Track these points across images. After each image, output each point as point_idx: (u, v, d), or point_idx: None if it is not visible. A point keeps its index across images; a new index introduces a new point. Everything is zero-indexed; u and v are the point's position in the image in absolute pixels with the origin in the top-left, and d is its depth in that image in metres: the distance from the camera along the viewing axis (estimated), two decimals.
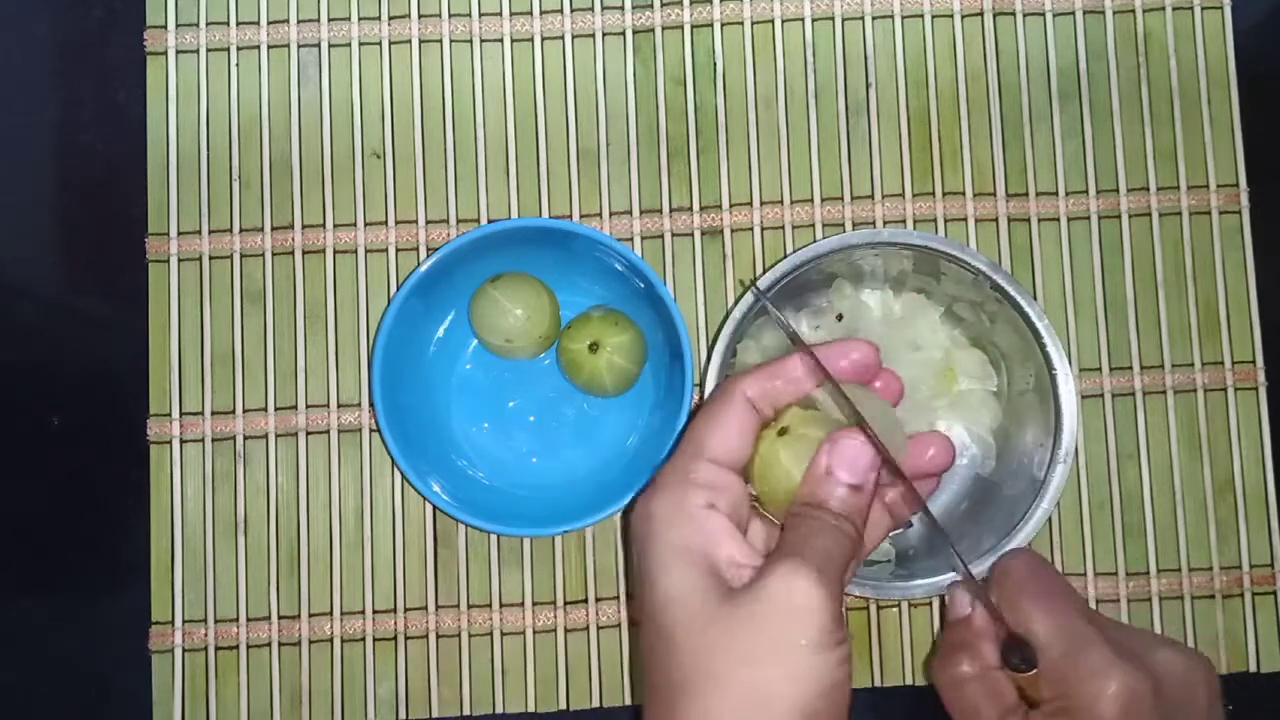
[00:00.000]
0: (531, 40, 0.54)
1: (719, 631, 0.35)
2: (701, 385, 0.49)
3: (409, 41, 0.54)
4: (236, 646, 0.51)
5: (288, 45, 0.54)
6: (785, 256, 0.49)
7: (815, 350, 0.40)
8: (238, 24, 0.54)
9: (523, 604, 0.52)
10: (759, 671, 0.34)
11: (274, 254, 0.53)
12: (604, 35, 0.54)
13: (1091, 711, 0.39)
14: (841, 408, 0.39)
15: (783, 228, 0.53)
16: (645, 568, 0.37)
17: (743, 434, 0.39)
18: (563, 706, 0.51)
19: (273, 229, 0.53)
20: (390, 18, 0.54)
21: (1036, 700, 0.42)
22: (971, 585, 0.44)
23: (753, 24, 0.54)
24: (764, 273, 0.49)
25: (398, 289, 0.50)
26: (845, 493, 0.37)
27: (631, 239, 0.53)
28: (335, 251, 0.53)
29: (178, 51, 0.54)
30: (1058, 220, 0.54)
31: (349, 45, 0.54)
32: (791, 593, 0.34)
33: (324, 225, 0.53)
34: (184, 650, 0.51)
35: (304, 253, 0.53)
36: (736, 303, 0.48)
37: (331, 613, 0.51)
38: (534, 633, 0.51)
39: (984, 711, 0.42)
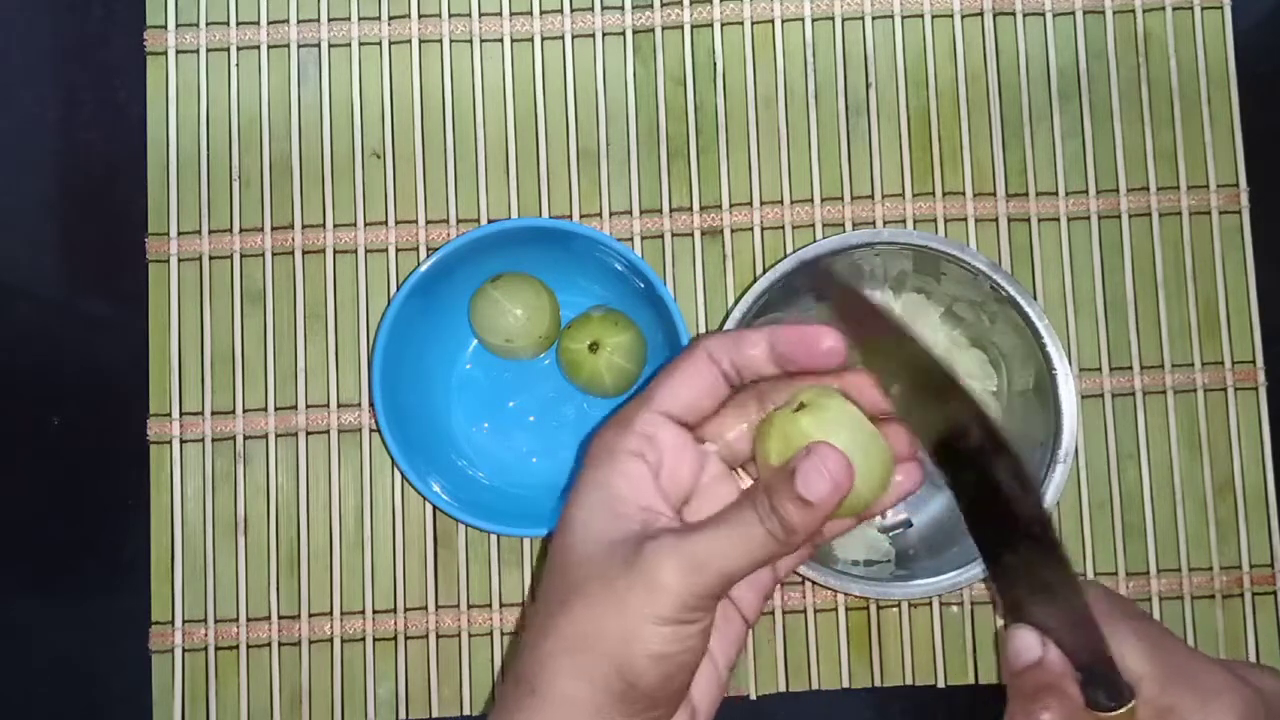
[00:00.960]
0: (531, 40, 0.54)
1: (591, 566, 0.36)
2: None
3: (409, 41, 0.54)
4: (236, 646, 0.51)
5: (288, 45, 0.54)
6: (785, 256, 0.49)
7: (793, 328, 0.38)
8: (238, 24, 0.54)
9: (523, 604, 0.51)
10: (601, 618, 0.35)
11: (274, 254, 0.53)
12: (604, 35, 0.54)
13: None
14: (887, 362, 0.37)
15: (783, 228, 0.53)
16: (574, 497, 0.38)
17: (696, 390, 0.38)
18: None
19: (273, 229, 0.53)
20: (390, 18, 0.54)
21: None
22: (1046, 618, 0.38)
23: (753, 24, 0.54)
24: (765, 271, 0.49)
25: (398, 289, 0.50)
26: (795, 507, 0.35)
27: (631, 239, 0.53)
28: (335, 251, 0.53)
29: (178, 51, 0.54)
30: (1058, 220, 0.54)
31: (349, 45, 0.54)
32: (655, 569, 0.35)
33: (324, 225, 0.53)
34: (184, 650, 0.51)
35: (304, 253, 0.53)
36: (737, 302, 0.48)
37: (331, 613, 0.51)
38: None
39: None
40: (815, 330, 0.37)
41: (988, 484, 0.36)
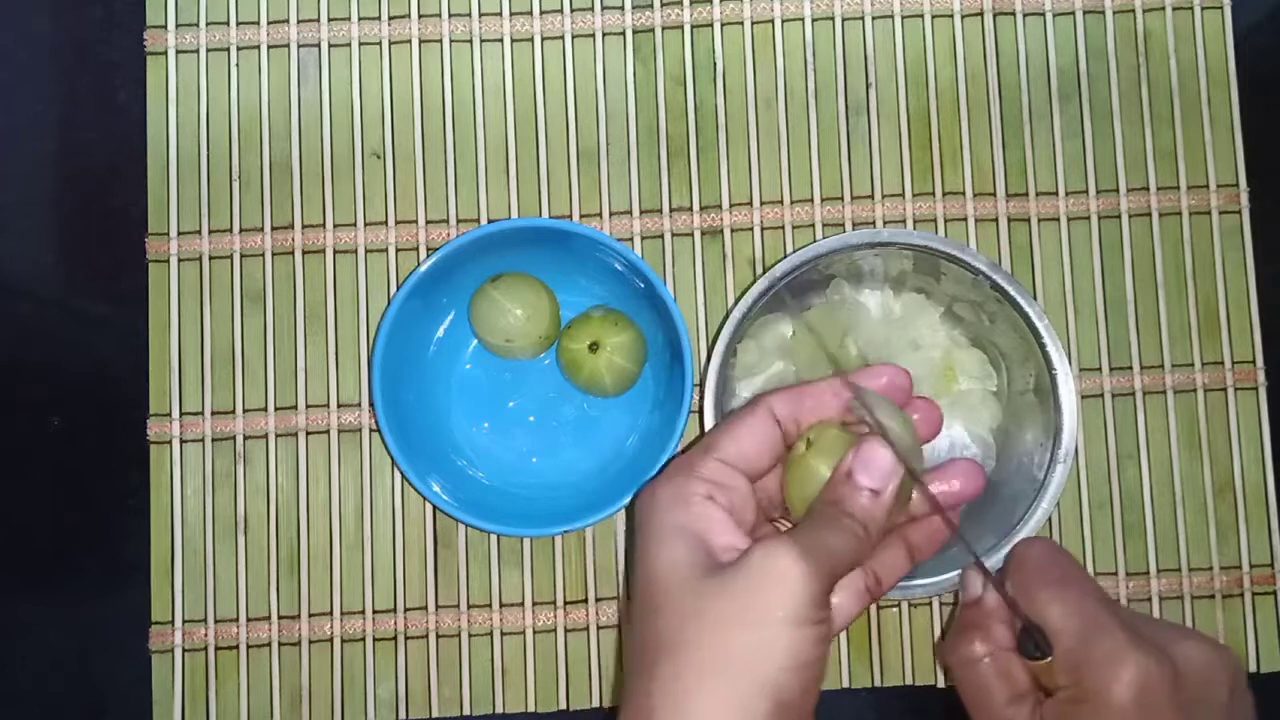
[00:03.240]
0: (531, 40, 0.54)
1: (700, 599, 0.35)
2: (701, 385, 0.49)
3: (409, 41, 0.54)
4: (236, 646, 0.51)
5: (288, 45, 0.54)
6: (785, 256, 0.49)
7: (850, 375, 0.40)
8: (238, 24, 0.54)
9: (523, 604, 0.52)
10: (731, 636, 0.34)
11: (274, 254, 0.53)
12: (604, 35, 0.54)
13: (1105, 698, 0.39)
14: (868, 417, 0.39)
15: (783, 228, 0.53)
16: (642, 544, 0.38)
17: (759, 442, 0.39)
18: (562, 706, 0.51)
19: (273, 229, 0.53)
20: (390, 18, 0.54)
21: (1051, 689, 0.41)
22: (984, 570, 0.43)
23: (753, 24, 0.54)
24: (765, 271, 0.49)
25: (398, 289, 0.50)
26: (864, 497, 0.37)
27: (631, 239, 0.53)
28: (335, 251, 0.53)
29: (178, 51, 0.54)
30: (1058, 220, 0.54)
31: (349, 45, 0.54)
32: (774, 563, 0.35)
33: (324, 225, 0.53)
34: (184, 650, 0.51)
35: (304, 253, 0.53)
36: (737, 302, 0.48)
37: (331, 613, 0.51)
38: (534, 633, 0.51)
39: (995, 692, 0.42)
40: (896, 379, 0.40)
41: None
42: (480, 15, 0.54)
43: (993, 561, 0.47)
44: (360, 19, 0.54)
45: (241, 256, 0.53)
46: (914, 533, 0.41)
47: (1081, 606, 0.41)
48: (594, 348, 0.49)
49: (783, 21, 0.54)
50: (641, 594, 0.37)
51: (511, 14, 0.54)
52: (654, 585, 0.36)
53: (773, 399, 0.40)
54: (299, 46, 0.54)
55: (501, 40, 0.54)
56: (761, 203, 0.53)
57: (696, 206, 0.53)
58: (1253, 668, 0.52)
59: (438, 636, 0.51)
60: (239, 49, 0.54)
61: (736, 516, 0.38)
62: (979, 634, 0.43)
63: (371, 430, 0.52)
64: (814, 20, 0.54)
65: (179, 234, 0.53)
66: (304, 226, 0.53)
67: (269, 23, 0.54)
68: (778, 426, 0.40)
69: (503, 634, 0.51)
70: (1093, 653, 0.40)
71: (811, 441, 0.40)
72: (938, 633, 0.52)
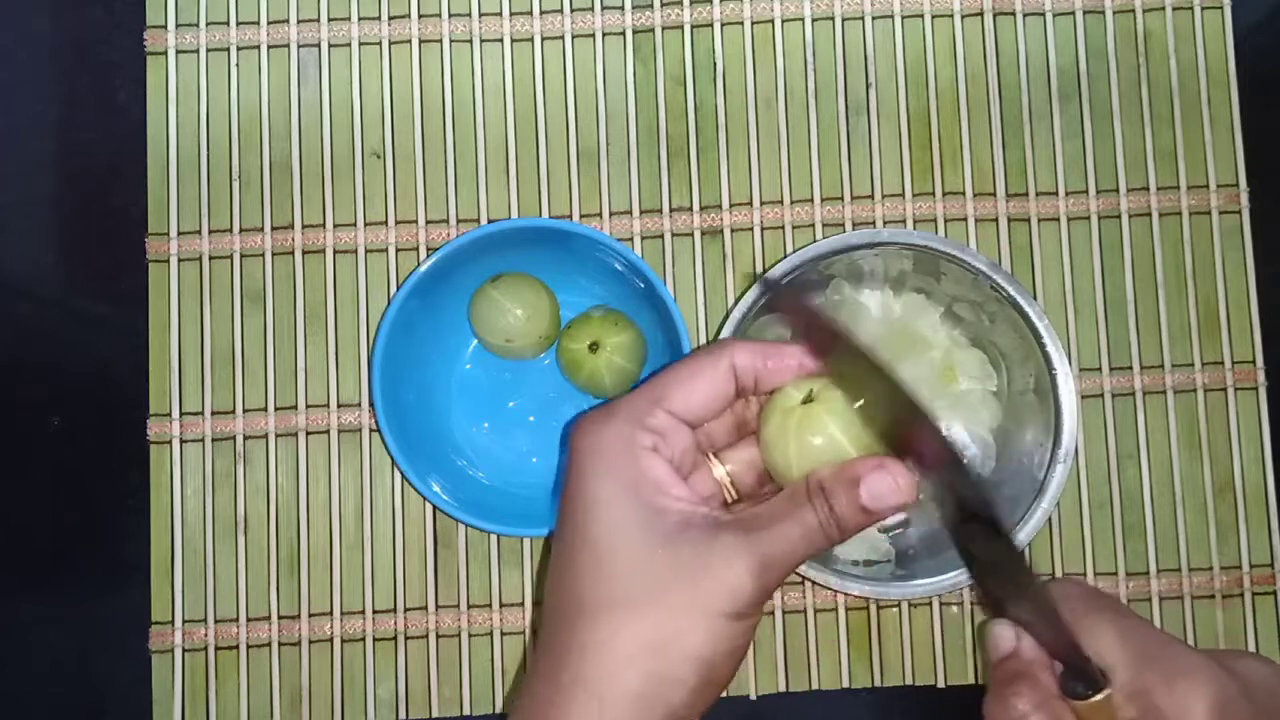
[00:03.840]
0: (531, 40, 0.54)
1: (648, 568, 0.35)
2: None
3: (409, 41, 0.54)
4: (236, 646, 0.51)
5: (288, 45, 0.54)
6: (785, 256, 0.49)
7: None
8: (238, 24, 0.54)
9: (523, 604, 0.52)
10: (675, 619, 0.35)
11: (274, 254, 0.53)
12: (604, 35, 0.54)
13: (1185, 717, 0.37)
14: (866, 379, 0.37)
15: (783, 228, 0.53)
16: (581, 484, 0.37)
17: (712, 395, 0.38)
18: None
19: (273, 229, 0.53)
20: (390, 18, 0.54)
21: None
22: (1021, 613, 0.40)
23: (753, 24, 0.54)
24: (765, 272, 0.49)
25: (398, 289, 0.50)
26: (856, 511, 0.37)
27: (631, 239, 0.53)
28: (335, 251, 0.53)
29: (178, 51, 0.54)
30: (1058, 220, 0.54)
31: (349, 45, 0.54)
32: (729, 566, 0.35)
33: (324, 225, 0.53)
34: (184, 650, 0.51)
35: (304, 253, 0.53)
36: (737, 302, 0.48)
37: (331, 613, 0.51)
38: (534, 633, 0.51)
39: None
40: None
41: (950, 492, 0.38)
42: (480, 15, 0.54)
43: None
44: (360, 19, 0.54)
45: (241, 256, 0.53)
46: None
47: (1136, 632, 0.39)
48: (594, 348, 0.49)
49: (783, 21, 0.54)
50: (582, 540, 0.37)
51: (511, 14, 0.54)
52: (601, 538, 0.36)
53: (736, 351, 0.38)
54: (299, 46, 0.54)
55: (501, 40, 0.54)
56: (761, 203, 0.53)
57: (696, 206, 0.53)
58: None
59: (438, 636, 0.51)
60: (239, 49, 0.54)
61: (679, 469, 0.38)
62: (1025, 685, 0.39)
63: (371, 430, 0.52)
64: (814, 20, 0.54)
65: (179, 234, 0.53)
66: (304, 226, 0.53)
67: (269, 23, 0.54)
68: (734, 378, 0.38)
69: (503, 634, 0.51)
70: (1161, 674, 0.38)
71: (813, 397, 0.38)
72: (938, 633, 0.52)
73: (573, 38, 0.54)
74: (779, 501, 0.37)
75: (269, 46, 0.54)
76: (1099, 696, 0.38)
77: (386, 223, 0.53)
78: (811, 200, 0.53)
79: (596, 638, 0.35)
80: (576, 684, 0.35)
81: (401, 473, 0.50)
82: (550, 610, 0.37)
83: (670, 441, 0.38)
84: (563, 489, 0.38)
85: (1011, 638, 0.41)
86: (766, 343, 0.39)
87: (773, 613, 0.52)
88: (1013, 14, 0.54)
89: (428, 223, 0.53)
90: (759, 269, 0.53)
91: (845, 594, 0.51)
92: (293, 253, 0.53)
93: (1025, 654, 0.40)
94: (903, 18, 0.54)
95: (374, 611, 0.51)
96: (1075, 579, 0.45)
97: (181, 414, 0.52)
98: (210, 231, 0.53)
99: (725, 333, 0.48)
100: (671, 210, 0.53)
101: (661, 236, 0.53)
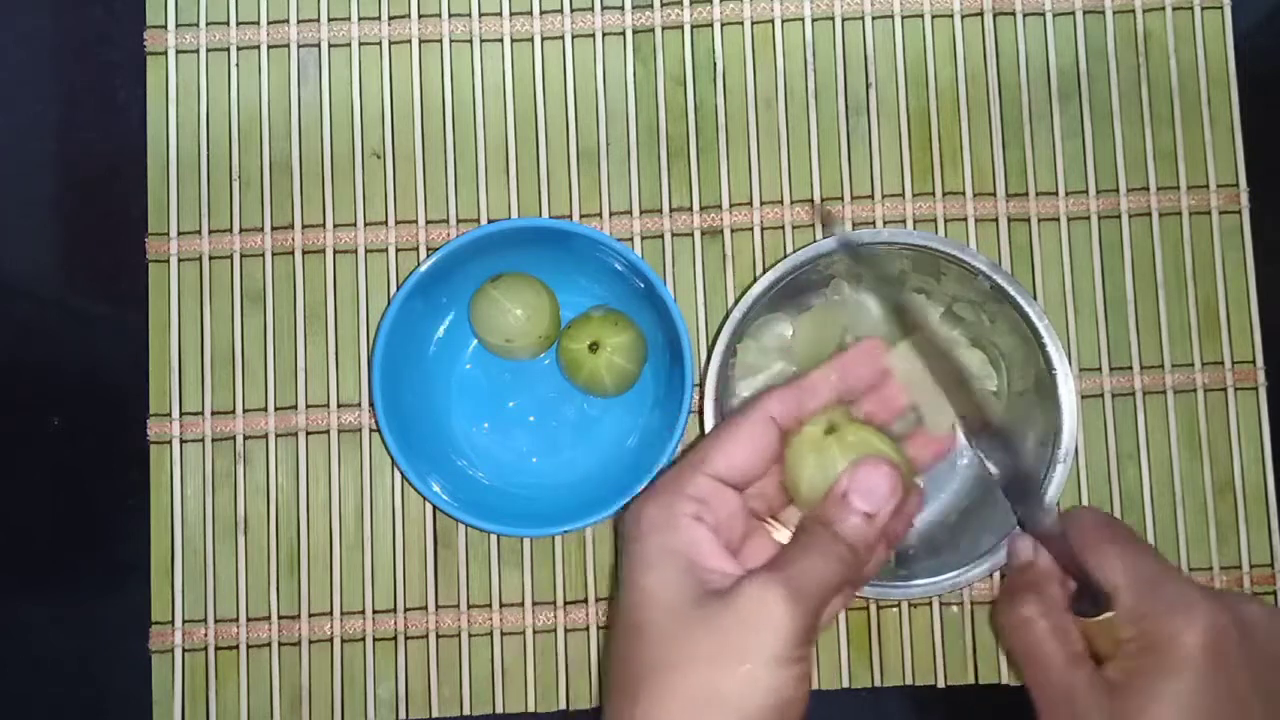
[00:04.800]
0: (531, 40, 0.54)
1: (686, 629, 0.36)
2: (701, 385, 0.49)
3: (409, 41, 0.54)
4: (236, 646, 0.51)
5: (288, 45, 0.54)
6: (785, 256, 0.49)
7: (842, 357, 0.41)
8: (238, 24, 0.54)
9: (523, 604, 0.52)
10: (716, 673, 0.35)
11: (274, 254, 0.53)
12: (604, 35, 0.54)
13: (1175, 645, 0.38)
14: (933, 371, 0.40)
15: (783, 228, 0.53)
16: (628, 566, 0.38)
17: (754, 451, 0.39)
18: (562, 706, 0.51)
19: (273, 229, 0.53)
20: (390, 18, 0.54)
21: (1106, 654, 0.40)
22: (1038, 532, 0.42)
23: (753, 24, 0.54)
24: (765, 271, 0.49)
25: (398, 289, 0.50)
26: (858, 520, 0.37)
27: (631, 239, 0.53)
28: (335, 251, 0.53)
29: (178, 51, 0.54)
30: (1058, 220, 0.54)
31: (349, 45, 0.54)
32: (761, 605, 0.35)
33: (324, 225, 0.53)
34: (184, 650, 0.51)
35: (304, 253, 0.53)
36: (737, 302, 0.48)
37: (331, 613, 0.51)
38: (534, 633, 0.51)
39: (1053, 654, 0.41)
40: (871, 348, 0.41)
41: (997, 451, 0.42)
42: (480, 15, 0.54)
43: (997, 559, 0.47)
44: (360, 19, 0.54)
45: (241, 256, 0.53)
46: (890, 521, 0.41)
47: (1143, 560, 0.41)
48: (594, 348, 0.49)
49: (783, 21, 0.54)
50: (627, 615, 0.37)
51: (511, 14, 0.54)
52: (640, 608, 0.37)
53: (770, 401, 0.40)
54: (299, 46, 0.54)
55: (501, 40, 0.54)
56: (761, 203, 0.53)
57: (696, 206, 0.53)
58: None
59: (438, 636, 0.51)
60: (239, 49, 0.54)
61: (724, 535, 0.38)
62: (1033, 594, 0.42)
63: (371, 430, 0.52)
64: (814, 20, 0.54)
65: (179, 234, 0.53)
66: (304, 226, 0.53)
67: (269, 23, 0.54)
68: (775, 429, 0.39)
69: (503, 634, 0.51)
70: (1160, 601, 0.39)
71: (835, 427, 0.39)
72: (938, 633, 0.52)
73: (573, 38, 0.54)
74: (797, 533, 0.38)
75: (269, 46, 0.54)
76: (1102, 617, 0.40)
77: (386, 223, 0.53)
78: (811, 200, 0.53)
79: (644, 708, 0.35)
80: None
81: (401, 473, 0.50)
82: (608, 681, 0.38)
83: (714, 507, 0.38)
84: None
85: (1030, 550, 0.43)
86: (797, 384, 0.40)
87: None
88: (1013, 14, 0.54)
89: (428, 223, 0.53)
90: (759, 269, 0.53)
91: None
92: (293, 253, 0.53)
93: (1040, 566, 0.42)
94: (903, 18, 0.54)
95: (374, 611, 0.51)
96: (1093, 508, 0.46)
97: (181, 414, 0.52)
98: (210, 231, 0.53)
99: (725, 333, 0.48)
100: (671, 210, 0.53)
101: (661, 236, 0.53)
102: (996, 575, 0.51)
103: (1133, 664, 0.39)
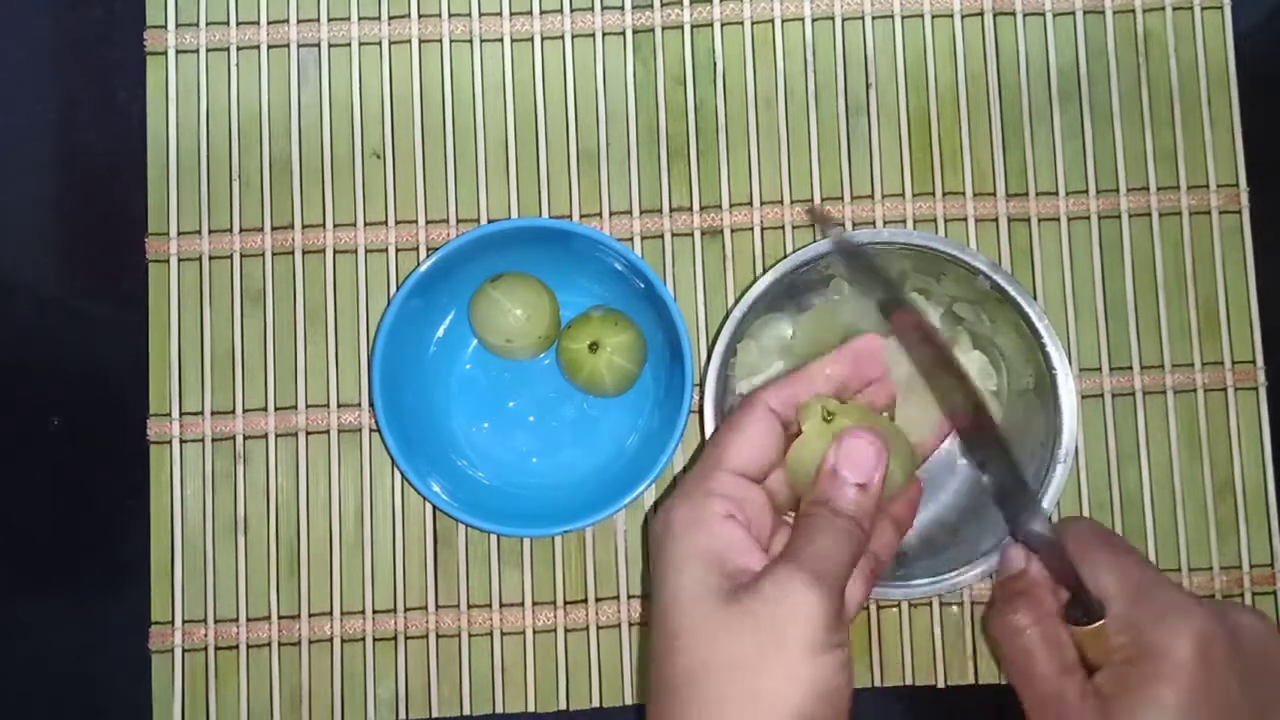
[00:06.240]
0: (531, 40, 0.54)
1: (719, 629, 0.35)
2: (701, 385, 0.49)
3: (409, 41, 0.54)
4: (236, 646, 0.51)
5: (288, 45, 0.54)
6: (785, 256, 0.49)
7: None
8: (238, 24, 0.54)
9: (523, 604, 0.52)
10: (754, 671, 0.35)
11: (274, 254, 0.53)
12: (604, 35, 0.54)
13: (1167, 652, 0.38)
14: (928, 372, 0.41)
15: (783, 228, 0.53)
16: (660, 571, 0.38)
17: (764, 444, 0.40)
18: (562, 706, 0.51)
19: (273, 229, 0.53)
20: (390, 18, 0.54)
21: (1097, 662, 0.40)
22: (1030, 541, 0.43)
23: (753, 24, 0.54)
24: (765, 272, 0.49)
25: (398, 289, 0.50)
26: (852, 492, 0.38)
27: (631, 239, 0.53)
28: (335, 251, 0.53)
29: (178, 51, 0.54)
30: (1058, 220, 0.54)
31: (349, 45, 0.54)
32: (786, 595, 0.35)
33: (324, 225, 0.53)
34: (184, 650, 0.51)
35: (304, 253, 0.53)
36: (737, 302, 0.48)
37: (331, 613, 0.51)
38: (534, 633, 0.51)
39: (1044, 662, 0.41)
40: (871, 345, 0.42)
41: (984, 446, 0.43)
42: (480, 15, 0.54)
43: (996, 559, 0.47)
44: (360, 19, 0.54)
45: (241, 256, 0.53)
46: (894, 505, 0.42)
47: (1135, 568, 0.41)
48: (594, 348, 0.49)
49: (783, 21, 0.54)
50: (661, 618, 0.37)
51: (511, 14, 0.54)
52: (673, 615, 0.36)
53: (766, 394, 0.40)
54: (299, 46, 0.54)
55: (501, 40, 0.54)
56: (761, 203, 0.53)
57: (696, 206, 0.53)
58: None
59: (438, 636, 0.51)
60: (239, 49, 0.54)
61: (755, 530, 0.38)
62: (1025, 601, 0.42)
63: (371, 430, 0.52)
64: (814, 20, 0.54)
65: (179, 234, 0.53)
66: (304, 226, 0.53)
67: (269, 23, 0.54)
68: (776, 419, 0.40)
69: (503, 634, 0.51)
70: (1152, 609, 0.39)
71: (832, 415, 0.39)
72: (938, 633, 0.52)
73: (573, 38, 0.54)
74: (799, 520, 0.39)
75: (269, 46, 0.54)
76: (1094, 626, 0.40)
77: (386, 223, 0.53)
78: (812, 200, 0.53)
79: (689, 708, 0.35)
80: None
81: (401, 473, 0.50)
82: (651, 688, 0.37)
83: (745, 507, 0.38)
84: None
85: (1021, 559, 0.44)
86: (793, 376, 0.41)
87: None
88: (1013, 14, 0.54)
89: (428, 223, 0.53)
90: (759, 269, 0.53)
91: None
92: (293, 253, 0.53)
93: (1031, 575, 0.43)
94: (903, 18, 0.54)
95: (374, 611, 0.51)
96: (1086, 518, 0.46)
97: (181, 414, 0.52)
98: (210, 231, 0.53)
99: (725, 333, 0.48)
100: (671, 210, 0.53)
101: (661, 236, 0.53)
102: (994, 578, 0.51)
103: (1124, 672, 0.39)
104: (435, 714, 0.51)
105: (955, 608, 0.52)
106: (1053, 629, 0.41)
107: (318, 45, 0.54)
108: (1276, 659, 0.40)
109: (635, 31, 0.54)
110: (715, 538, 0.37)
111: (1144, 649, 0.39)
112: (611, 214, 0.53)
